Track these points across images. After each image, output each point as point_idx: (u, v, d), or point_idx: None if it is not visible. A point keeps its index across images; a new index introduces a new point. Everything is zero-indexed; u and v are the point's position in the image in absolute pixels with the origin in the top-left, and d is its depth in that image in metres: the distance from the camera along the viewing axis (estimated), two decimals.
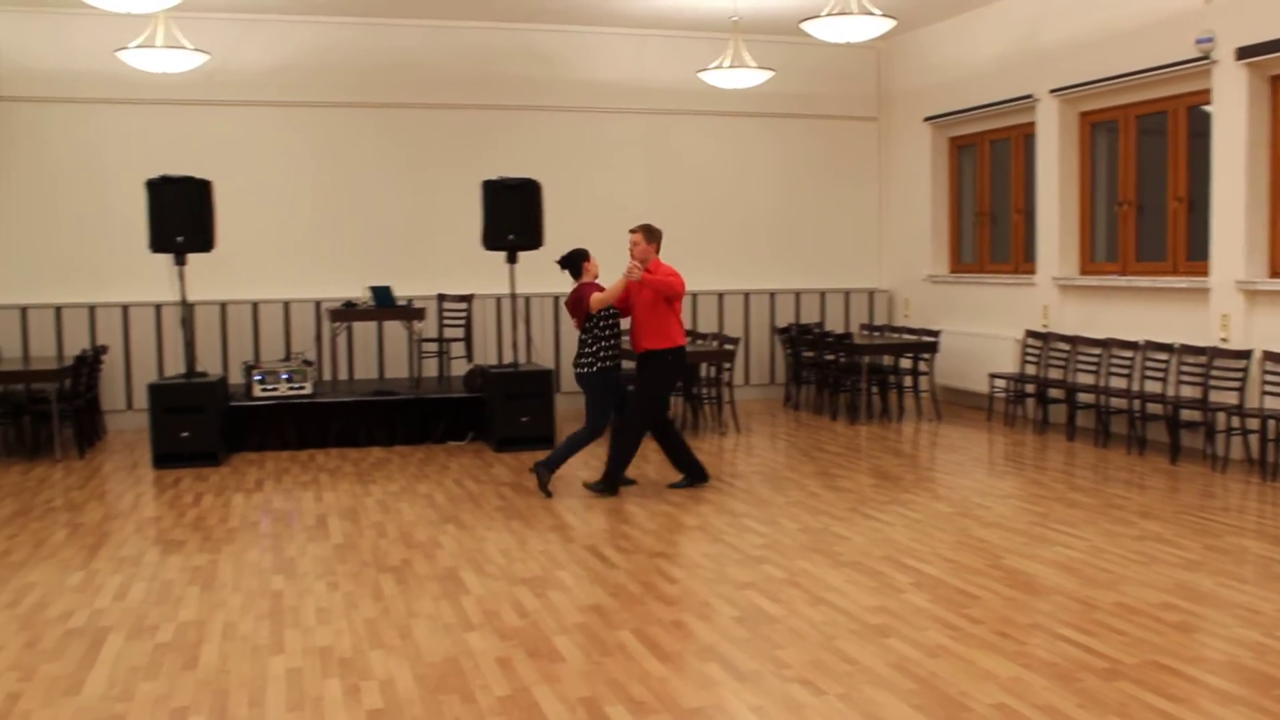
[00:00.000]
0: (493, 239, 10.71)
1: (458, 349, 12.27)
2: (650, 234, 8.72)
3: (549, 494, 8.63)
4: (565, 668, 4.97)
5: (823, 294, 14.46)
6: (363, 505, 8.38)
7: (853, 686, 4.69)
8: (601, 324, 8.58)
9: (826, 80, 14.26)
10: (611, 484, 8.69)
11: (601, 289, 8.64)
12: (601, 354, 8.59)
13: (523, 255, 10.97)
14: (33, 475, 9.79)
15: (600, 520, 7.79)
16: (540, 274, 12.15)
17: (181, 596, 6.17)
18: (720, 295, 14.04)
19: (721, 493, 8.68)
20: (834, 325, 14.29)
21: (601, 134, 13.58)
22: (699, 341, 12.66)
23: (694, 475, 8.95)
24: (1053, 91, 11.56)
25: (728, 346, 11.74)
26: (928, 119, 13.67)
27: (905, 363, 12.80)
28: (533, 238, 10.72)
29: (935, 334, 12.40)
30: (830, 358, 12.58)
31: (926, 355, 12.37)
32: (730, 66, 11.98)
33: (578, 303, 8.62)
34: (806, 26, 9.91)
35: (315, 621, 5.69)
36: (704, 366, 12.00)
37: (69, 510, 8.42)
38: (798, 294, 14.36)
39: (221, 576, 6.55)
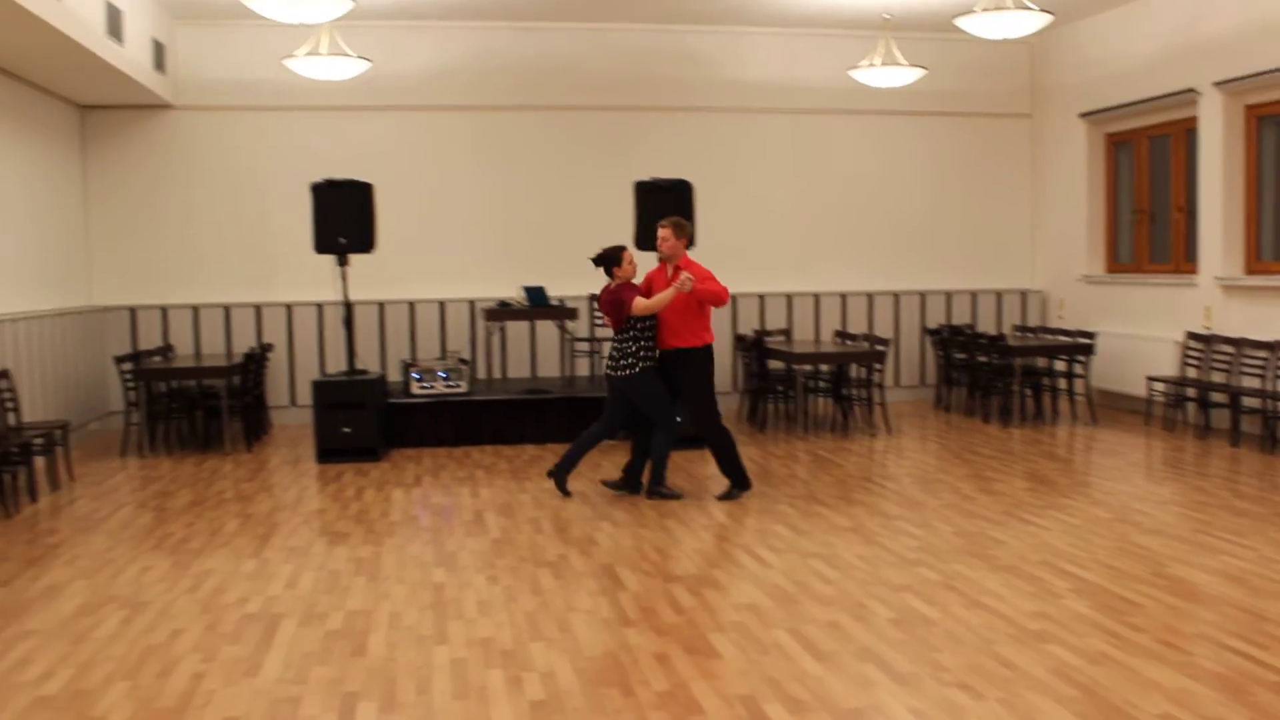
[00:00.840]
0: (646, 239, 10.81)
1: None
2: (680, 229, 8.65)
3: (568, 494, 8.70)
4: (723, 665, 5.03)
5: (974, 295, 14.27)
6: (518, 501, 8.56)
7: (1013, 692, 4.65)
8: (640, 324, 8.47)
9: (978, 77, 14.06)
10: (742, 480, 8.63)
11: (636, 288, 8.55)
12: (643, 354, 8.49)
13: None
14: (205, 467, 10.22)
15: (753, 520, 7.82)
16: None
17: (348, 586, 6.40)
18: (870, 296, 13.96)
19: (874, 494, 8.65)
20: (985, 326, 14.09)
21: (751, 134, 13.60)
22: (848, 342, 12.60)
23: (735, 481, 8.78)
24: (1216, 84, 11.22)
25: (878, 348, 11.66)
26: (1083, 115, 13.38)
27: (1059, 365, 12.55)
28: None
29: (1091, 335, 12.14)
30: (982, 359, 12.40)
31: (1082, 357, 12.11)
32: (881, 65, 11.92)
33: (615, 304, 8.48)
34: (961, 23, 9.81)
35: (476, 613, 5.85)
36: (854, 367, 11.95)
37: (239, 501, 8.78)
38: (948, 295, 14.19)
39: (385, 568, 6.76)
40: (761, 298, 13.66)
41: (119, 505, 8.72)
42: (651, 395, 8.52)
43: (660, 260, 8.73)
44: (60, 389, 11.34)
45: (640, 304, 8.38)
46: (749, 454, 10.37)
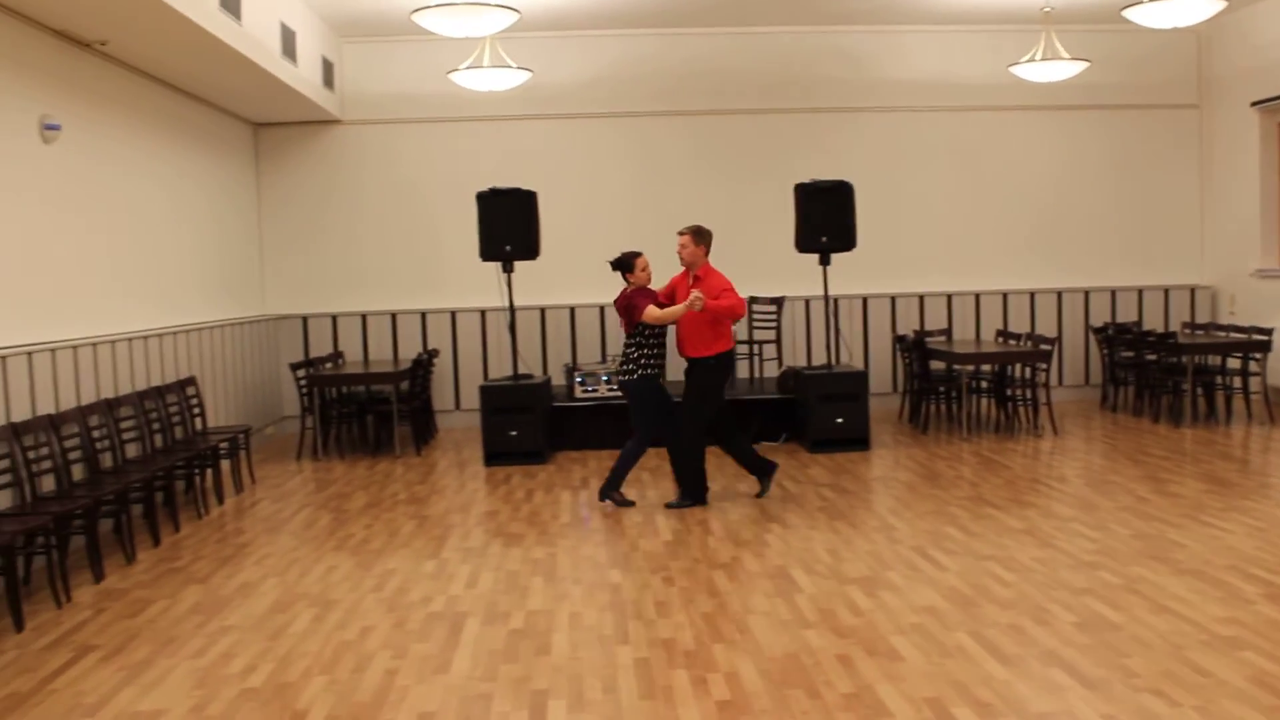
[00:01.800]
0: (806, 241, 10.82)
1: (769, 350, 12.44)
2: (699, 236, 8.56)
3: (632, 503, 8.66)
4: (906, 667, 5.02)
5: (1139, 291, 13.90)
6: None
7: (1209, 699, 4.55)
8: (647, 332, 8.42)
9: (1142, 68, 13.69)
10: (698, 494, 8.59)
11: (653, 294, 8.48)
12: (644, 361, 8.43)
13: (834, 257, 11.03)
14: (377, 470, 10.54)
15: (924, 523, 7.77)
16: (851, 275, 12.28)
17: (527, 587, 6.54)
18: (1031, 294, 13.70)
19: (1045, 496, 8.51)
20: (1152, 324, 13.70)
21: (909, 133, 13.48)
22: (1011, 342, 12.40)
23: (765, 475, 8.80)
24: None
25: (1043, 347, 11.45)
26: (1255, 104, 12.94)
27: (1233, 363, 12.15)
28: (845, 239, 10.75)
29: (1267, 332, 11.73)
30: (1151, 357, 12.08)
31: (1257, 355, 11.70)
32: (1042, 59, 11.70)
33: (627, 309, 8.41)
34: (1130, 14, 9.59)
35: (655, 614, 5.93)
36: (1017, 367, 11.76)
37: (413, 504, 9.03)
38: (1113, 292, 13.85)
39: (561, 569, 6.90)
40: (921, 298, 13.52)
41: (300, 507, 9.05)
42: (644, 403, 8.54)
43: (683, 267, 8.71)
44: (240, 395, 11.80)
45: (651, 313, 8.31)
46: (912, 455, 10.32)
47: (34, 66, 7.90)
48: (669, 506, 8.56)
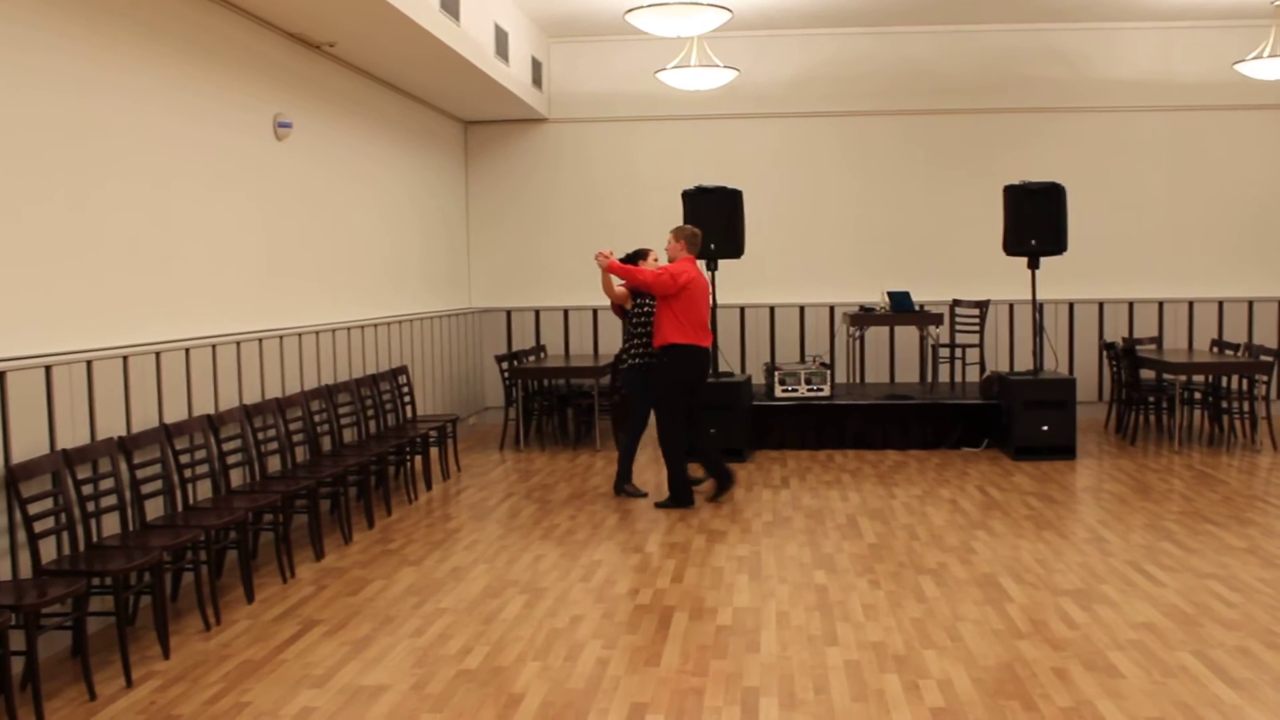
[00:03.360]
0: (1015, 244, 10.59)
1: (971, 355, 12.22)
2: (678, 234, 8.83)
3: (644, 494, 9.01)
4: (1126, 684, 4.88)
5: None
6: (889, 507, 8.56)
7: None
8: (634, 321, 8.66)
9: None
10: (680, 497, 8.67)
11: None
12: (634, 351, 8.75)
13: (1044, 260, 10.78)
14: (578, 462, 10.72)
15: (1138, 536, 7.53)
16: (1058, 280, 11.99)
17: (733, 584, 6.58)
18: (1250, 303, 13.12)
19: (1268, 514, 8.15)
20: None
21: (1124, 134, 13.04)
22: (1227, 352, 11.90)
23: (722, 481, 8.87)
24: None
25: (1263, 358, 10.95)
26: None
27: None
28: (1055, 242, 10.49)
29: None
30: None
31: None
32: (1270, 56, 11.19)
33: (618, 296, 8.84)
34: None
35: (864, 617, 5.90)
36: (1233, 379, 11.28)
37: (616, 496, 9.14)
38: None
39: (766, 568, 6.91)
40: (1131, 304, 13.08)
41: (505, 495, 9.27)
42: (633, 394, 8.93)
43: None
44: (446, 385, 12.16)
45: (613, 292, 8.87)
46: (1120, 466, 10.01)
47: (270, 67, 8.28)
48: (658, 506, 8.76)
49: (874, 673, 5.09)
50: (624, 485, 9.07)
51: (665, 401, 8.68)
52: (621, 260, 8.83)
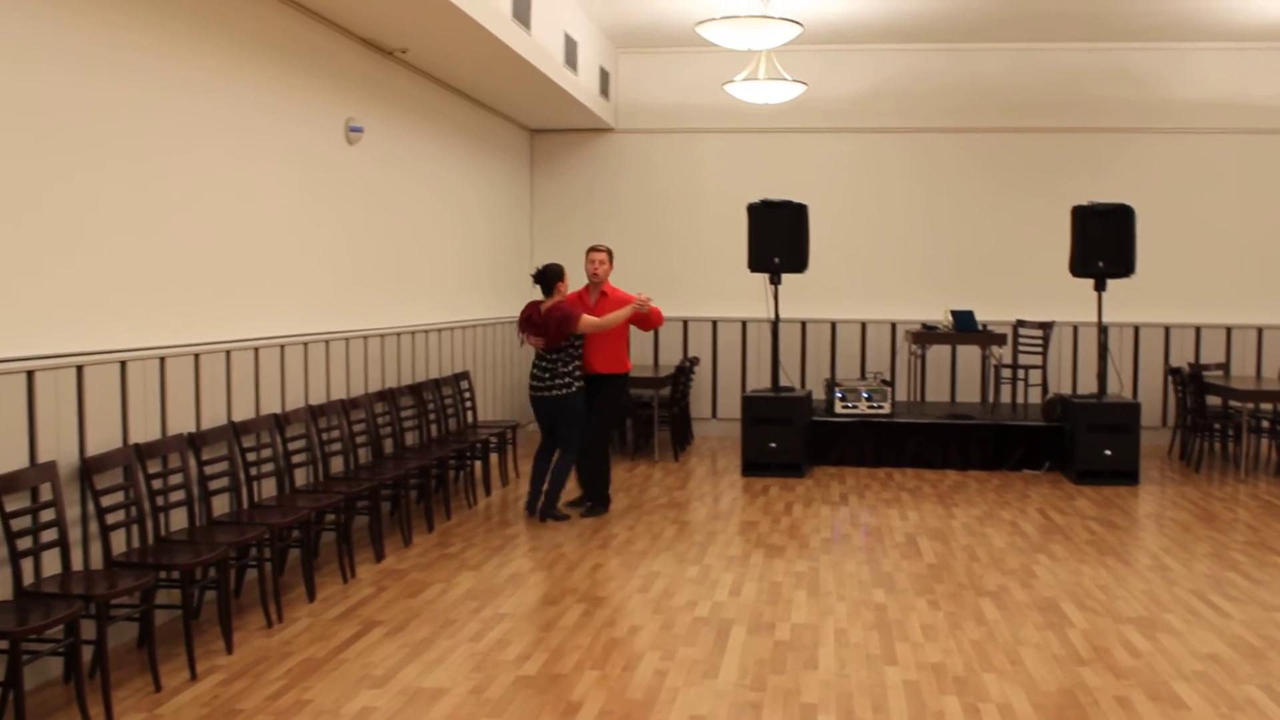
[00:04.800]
0: (1081, 265, 10.48)
1: (1034, 376, 12.12)
2: (611, 255, 8.97)
3: (567, 516, 8.77)
4: (1192, 716, 4.81)
5: None
6: (949, 527, 8.50)
7: None
8: (575, 345, 8.58)
9: None
10: (602, 500, 8.95)
11: (584, 306, 8.75)
12: (578, 374, 8.63)
13: (1111, 283, 10.67)
14: (637, 473, 10.74)
15: (1202, 565, 7.42)
16: (1124, 302, 11.85)
17: (790, 599, 6.56)
18: None
19: None
20: None
21: (1196, 156, 12.86)
22: None
23: (597, 500, 8.94)
24: None
25: None
26: None
27: None
28: (1123, 265, 10.38)
29: None
30: None
31: None
32: None
33: (565, 319, 8.42)
34: None
35: (923, 637, 5.86)
36: None
37: (674, 508, 9.17)
38: None
39: (824, 584, 6.89)
40: (1198, 329, 12.91)
41: (563, 504, 9.28)
42: (578, 417, 8.67)
43: (588, 284, 8.95)
44: (507, 391, 12.23)
45: (589, 322, 8.54)
46: (1184, 493, 9.88)
47: (343, 73, 8.38)
48: (582, 515, 8.83)
49: (933, 694, 5.06)
50: (552, 511, 8.74)
51: (614, 419, 9.06)
52: (538, 275, 8.70)
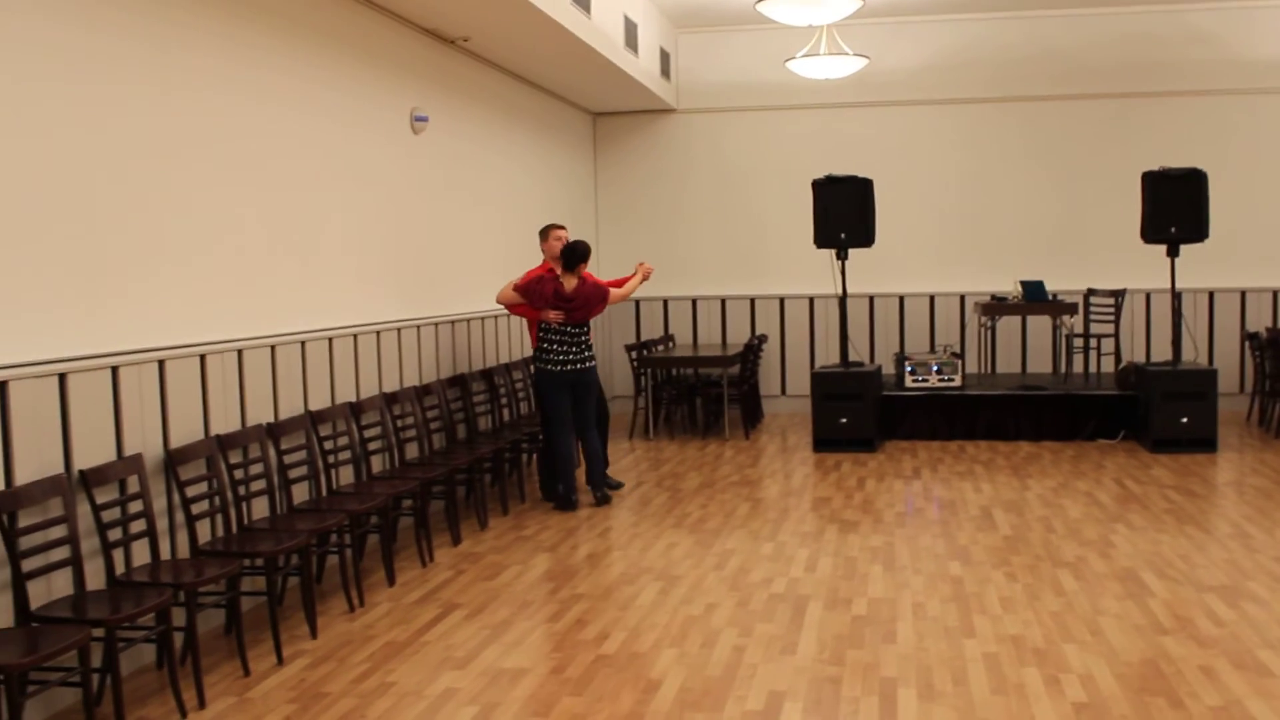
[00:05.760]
0: (1153, 232, 10.34)
1: (1106, 345, 11.97)
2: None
3: (620, 484, 9.15)
4: (1278, 684, 4.76)
5: None
6: (1024, 499, 8.44)
7: None
8: (586, 327, 8.65)
9: None
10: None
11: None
12: (590, 351, 8.72)
13: (1184, 248, 10.51)
14: (707, 452, 10.77)
15: None
16: (1196, 268, 11.69)
17: (867, 574, 6.56)
18: None
19: None
20: None
21: (1267, 116, 12.60)
22: None
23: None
24: None
25: None
26: None
27: None
28: (1196, 230, 10.22)
29: None
30: None
31: None
32: None
33: (601, 295, 8.55)
34: None
35: (1001, 610, 5.84)
36: None
37: (746, 486, 9.19)
38: None
39: (900, 558, 6.88)
40: (1275, 293, 12.66)
41: (636, 484, 9.35)
42: (593, 392, 8.76)
43: (549, 259, 8.86)
44: None
45: (616, 294, 8.78)
46: (1265, 460, 9.76)
47: (407, 63, 8.45)
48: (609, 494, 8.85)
49: (1013, 666, 5.04)
50: (606, 481, 8.89)
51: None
52: (576, 253, 8.56)
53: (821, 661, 5.17)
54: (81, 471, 4.91)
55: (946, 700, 4.68)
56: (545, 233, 8.93)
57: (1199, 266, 11.77)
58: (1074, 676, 4.90)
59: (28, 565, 4.53)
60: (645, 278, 9.07)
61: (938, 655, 5.21)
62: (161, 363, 5.54)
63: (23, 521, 4.56)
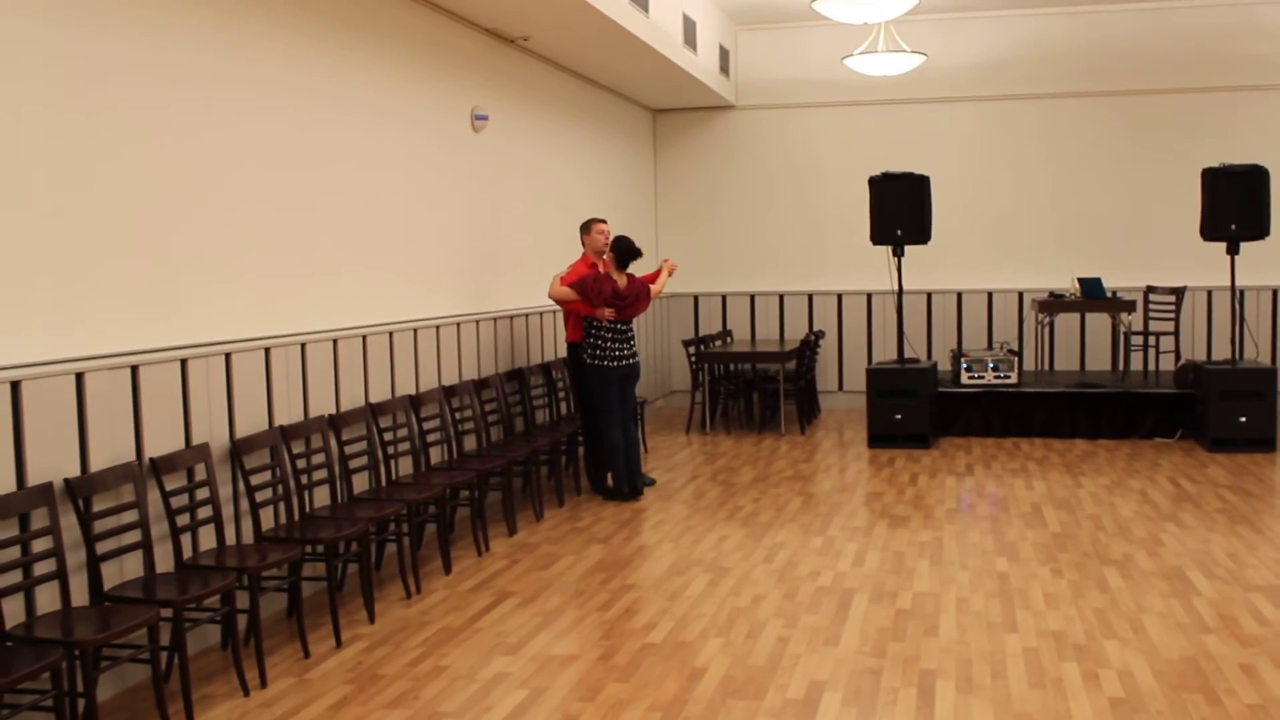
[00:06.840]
0: (1213, 229, 10.29)
1: (1165, 343, 11.93)
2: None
3: (651, 480, 9.25)
4: None
5: None
6: (1076, 497, 8.47)
7: None
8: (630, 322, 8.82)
9: None
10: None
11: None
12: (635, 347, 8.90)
13: (1245, 245, 10.45)
14: (763, 446, 10.88)
15: None
16: (1261, 265, 11.62)
17: (913, 569, 6.65)
18: None
19: None
20: None
21: None
22: None
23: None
24: None
25: None
26: None
27: None
28: (1257, 227, 10.16)
29: None
30: None
31: None
32: None
33: (647, 292, 8.75)
34: None
35: (1044, 606, 5.91)
36: None
37: (799, 480, 9.29)
38: None
39: (948, 554, 6.96)
40: None
41: (690, 477, 9.49)
42: (633, 386, 8.91)
43: (590, 254, 8.96)
44: None
45: (654, 290, 8.95)
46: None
47: (468, 63, 8.64)
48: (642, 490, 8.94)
49: (1053, 661, 5.12)
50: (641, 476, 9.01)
51: None
52: (630, 251, 8.74)
53: (863, 653, 5.28)
54: (152, 459, 5.14)
55: (984, 693, 4.77)
56: (587, 226, 9.05)
57: (1260, 264, 11.69)
58: (1113, 672, 4.96)
59: (102, 548, 4.76)
60: (670, 273, 9.20)
61: (978, 649, 5.29)
62: (228, 355, 5.75)
63: (97, 506, 4.79)
